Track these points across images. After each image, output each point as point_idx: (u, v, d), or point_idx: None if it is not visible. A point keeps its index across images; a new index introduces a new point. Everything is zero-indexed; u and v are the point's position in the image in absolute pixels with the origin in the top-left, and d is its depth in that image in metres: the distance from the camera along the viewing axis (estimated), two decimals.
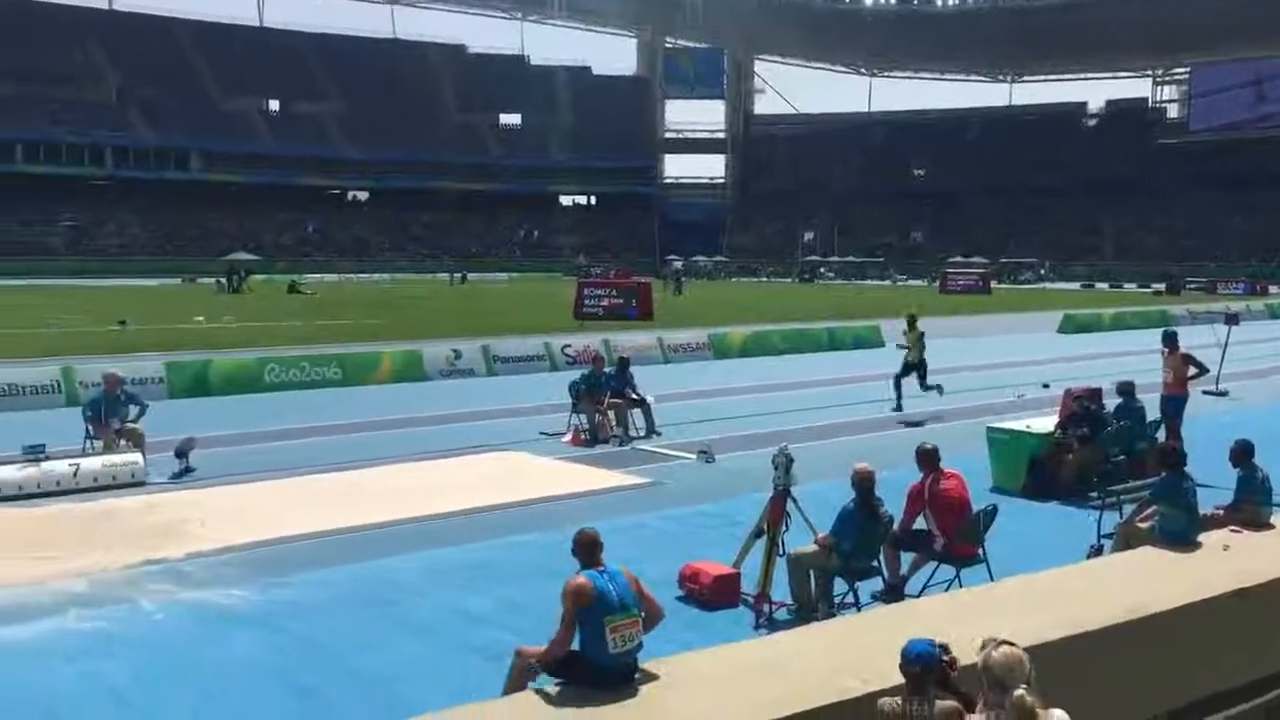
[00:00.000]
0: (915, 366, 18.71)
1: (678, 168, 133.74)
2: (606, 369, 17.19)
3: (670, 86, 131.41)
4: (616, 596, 5.57)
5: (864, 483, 8.01)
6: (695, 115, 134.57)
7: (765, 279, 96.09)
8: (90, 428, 13.66)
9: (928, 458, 8.62)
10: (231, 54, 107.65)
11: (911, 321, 19.13)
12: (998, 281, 77.47)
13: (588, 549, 5.78)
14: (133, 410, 13.93)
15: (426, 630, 7.76)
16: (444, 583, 8.86)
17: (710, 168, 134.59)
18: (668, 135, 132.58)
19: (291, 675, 6.89)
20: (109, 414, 13.69)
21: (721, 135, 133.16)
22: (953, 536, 8.31)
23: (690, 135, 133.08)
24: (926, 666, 4.52)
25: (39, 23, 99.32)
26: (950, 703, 4.47)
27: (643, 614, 5.66)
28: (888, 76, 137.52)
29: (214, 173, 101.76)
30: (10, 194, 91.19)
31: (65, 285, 66.62)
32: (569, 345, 26.03)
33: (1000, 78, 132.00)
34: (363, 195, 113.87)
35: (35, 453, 12.38)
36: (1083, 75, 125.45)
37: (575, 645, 5.51)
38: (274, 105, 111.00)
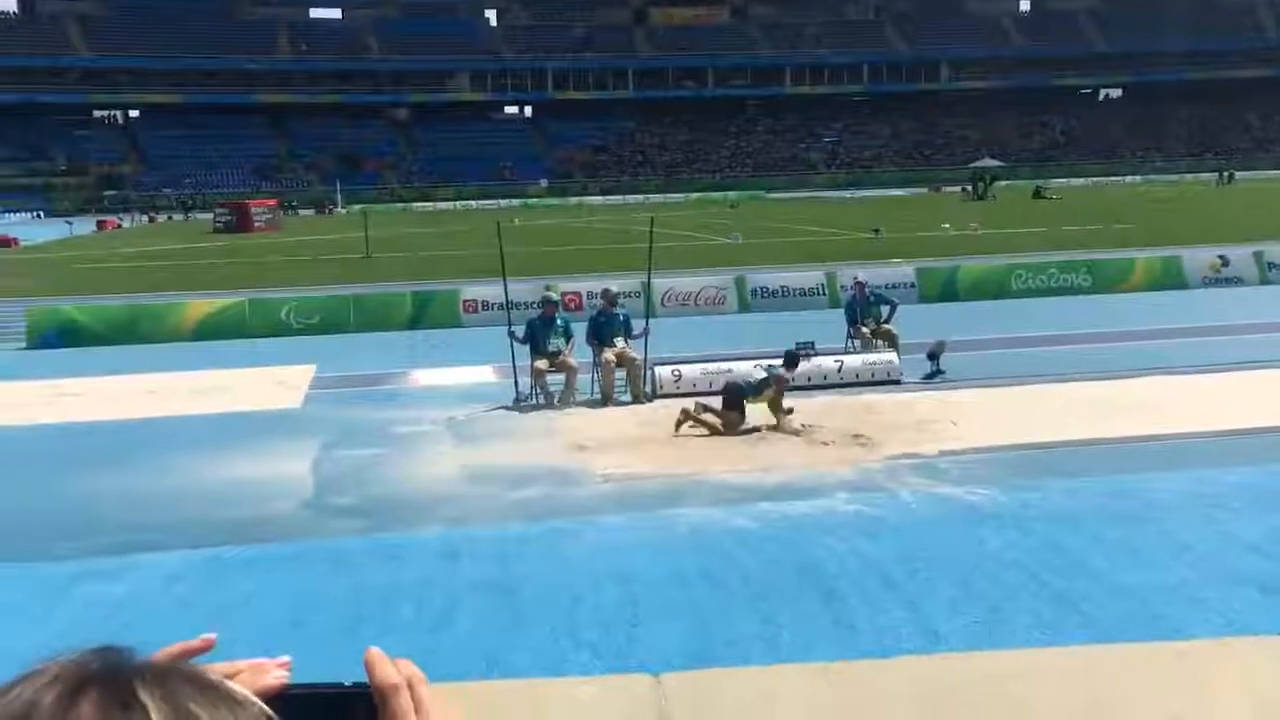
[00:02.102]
0: None
1: None
2: None
3: None
4: None
5: None
6: None
7: None
8: (851, 329, 14.79)
9: None
10: None
11: None
12: None
13: None
14: (884, 310, 14.82)
15: (1189, 552, 7.27)
16: (1209, 505, 8.21)
17: None
18: None
19: (1043, 578, 6.89)
20: (862, 315, 14.72)
21: None
22: None
23: None
24: None
25: None
26: None
27: None
28: None
29: (962, 80, 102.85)
30: (779, 115, 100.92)
31: (824, 197, 72.29)
32: None
33: None
34: (1115, 93, 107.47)
35: (806, 348, 13.68)
36: None
37: None
38: (1024, 6, 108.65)
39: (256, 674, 0.80)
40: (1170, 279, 21.78)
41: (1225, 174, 73.96)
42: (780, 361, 11.77)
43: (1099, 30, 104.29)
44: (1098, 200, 55.84)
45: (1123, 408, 11.54)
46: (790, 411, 11.25)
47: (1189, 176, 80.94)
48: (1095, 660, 4.37)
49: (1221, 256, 22.50)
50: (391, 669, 0.82)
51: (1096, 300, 20.54)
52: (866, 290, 15.11)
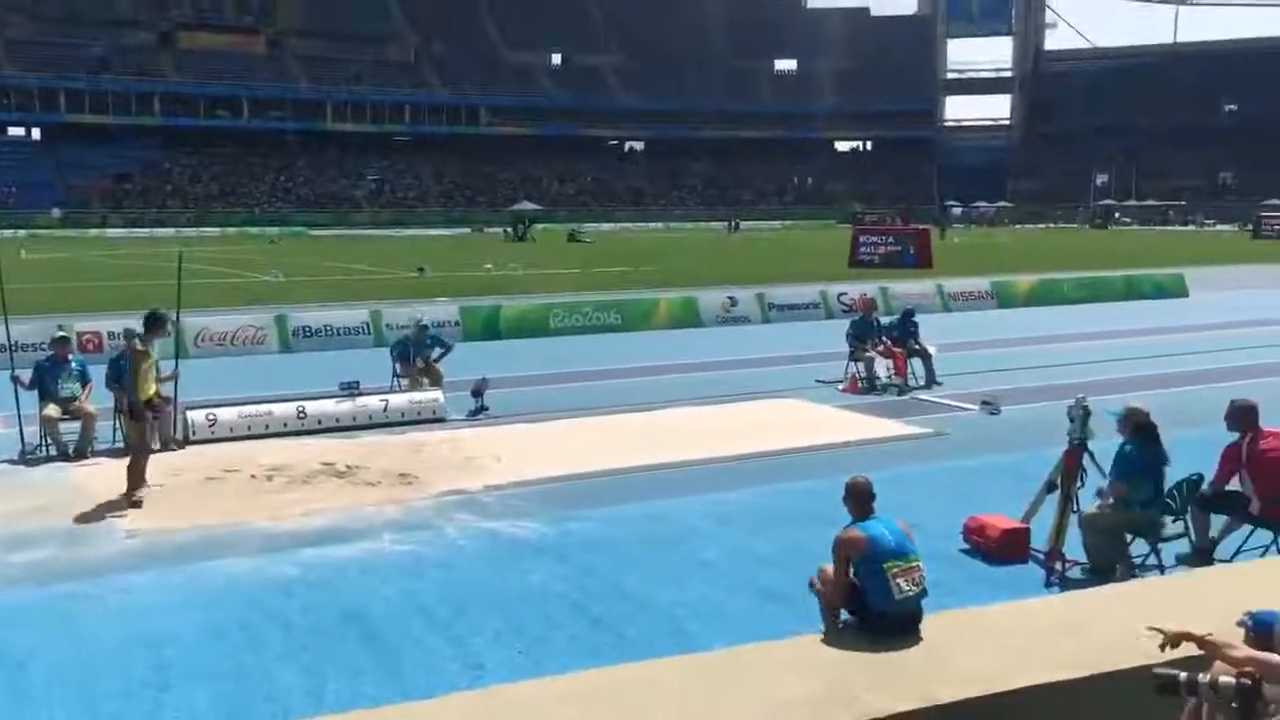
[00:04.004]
0: None
1: (959, 110, 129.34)
2: (879, 315, 17.03)
3: (953, 24, 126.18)
4: (893, 542, 5.49)
5: (1144, 423, 7.59)
6: (979, 54, 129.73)
7: (1052, 225, 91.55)
8: (397, 366, 14.73)
9: (1245, 415, 7.97)
10: (517, 10, 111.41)
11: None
12: None
13: (859, 498, 5.71)
14: (437, 351, 14.96)
15: (711, 569, 7.93)
16: (728, 524, 9.01)
17: (994, 109, 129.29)
18: (949, 76, 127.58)
19: (583, 604, 7.22)
20: (415, 355, 14.75)
21: (1008, 74, 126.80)
22: (1269, 499, 7.70)
23: (973, 75, 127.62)
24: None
25: None
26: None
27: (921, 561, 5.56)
28: (1197, 4, 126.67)
29: (500, 126, 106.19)
30: (320, 150, 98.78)
31: (369, 235, 71.63)
32: (845, 293, 25.71)
33: None
34: (638, 145, 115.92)
35: (351, 389, 13.43)
36: None
37: (861, 591, 5.48)
38: (556, 59, 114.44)
39: None
40: (689, 318, 23.76)
41: (733, 223, 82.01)
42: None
43: (623, 87, 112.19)
44: (626, 244, 59.75)
45: (653, 437, 12.40)
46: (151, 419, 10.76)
47: (703, 225, 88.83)
48: (626, 679, 4.63)
49: (731, 297, 24.93)
50: None
51: (627, 337, 21.95)
52: (427, 331, 15.17)
